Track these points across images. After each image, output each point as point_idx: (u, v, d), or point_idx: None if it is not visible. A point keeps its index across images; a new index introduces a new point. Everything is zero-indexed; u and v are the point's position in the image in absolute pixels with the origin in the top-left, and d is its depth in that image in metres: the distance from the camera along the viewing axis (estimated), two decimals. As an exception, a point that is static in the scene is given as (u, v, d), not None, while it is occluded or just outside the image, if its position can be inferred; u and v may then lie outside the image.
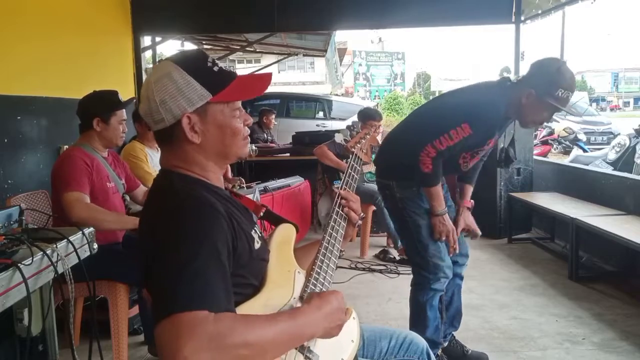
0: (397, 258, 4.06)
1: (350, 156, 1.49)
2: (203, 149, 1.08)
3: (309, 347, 1.07)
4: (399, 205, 2.28)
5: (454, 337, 2.51)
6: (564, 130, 10.66)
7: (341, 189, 1.34)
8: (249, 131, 1.15)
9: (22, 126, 3.14)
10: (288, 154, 5.51)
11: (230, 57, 13.91)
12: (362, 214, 1.34)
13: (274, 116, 6.85)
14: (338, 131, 4.86)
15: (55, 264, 1.55)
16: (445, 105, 2.31)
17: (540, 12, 5.16)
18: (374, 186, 4.28)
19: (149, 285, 0.97)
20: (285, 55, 9.40)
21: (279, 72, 23.04)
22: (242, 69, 16.29)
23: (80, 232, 1.76)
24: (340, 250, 1.27)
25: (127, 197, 2.59)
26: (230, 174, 3.93)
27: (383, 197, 2.41)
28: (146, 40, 5.48)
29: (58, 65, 3.52)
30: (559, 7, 5.27)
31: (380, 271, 3.87)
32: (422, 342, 1.42)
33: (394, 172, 2.29)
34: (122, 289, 2.28)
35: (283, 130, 7.86)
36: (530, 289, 3.41)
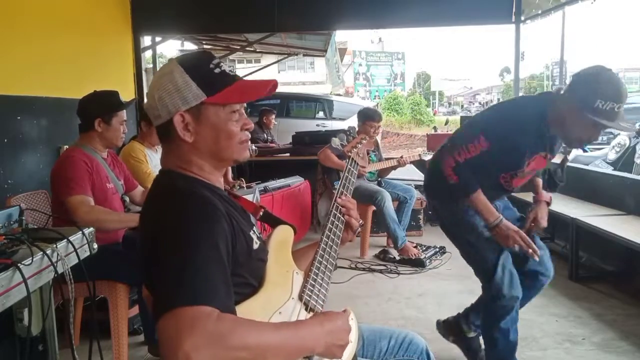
0: (397, 258, 4.05)
1: (347, 160, 1.50)
2: (197, 149, 1.09)
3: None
4: (450, 230, 2.21)
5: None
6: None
7: (338, 194, 1.35)
8: (249, 135, 1.15)
9: (22, 126, 3.14)
10: (288, 154, 5.51)
11: (231, 57, 13.94)
12: (361, 221, 1.36)
13: (274, 116, 6.86)
14: (335, 135, 4.86)
15: (55, 264, 1.55)
16: (474, 118, 2.27)
17: (540, 12, 5.15)
18: (374, 186, 4.29)
19: (151, 282, 0.98)
20: (285, 55, 9.40)
21: (279, 72, 23.02)
22: (242, 69, 16.30)
23: (80, 232, 1.76)
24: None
25: (127, 198, 2.60)
26: (230, 176, 3.93)
27: (435, 218, 2.35)
28: (146, 40, 5.49)
29: (58, 65, 3.51)
30: (559, 7, 5.26)
31: (380, 271, 3.87)
32: (421, 342, 1.42)
33: (435, 190, 2.24)
34: (122, 289, 2.28)
35: (283, 130, 7.87)
36: (530, 289, 3.40)
